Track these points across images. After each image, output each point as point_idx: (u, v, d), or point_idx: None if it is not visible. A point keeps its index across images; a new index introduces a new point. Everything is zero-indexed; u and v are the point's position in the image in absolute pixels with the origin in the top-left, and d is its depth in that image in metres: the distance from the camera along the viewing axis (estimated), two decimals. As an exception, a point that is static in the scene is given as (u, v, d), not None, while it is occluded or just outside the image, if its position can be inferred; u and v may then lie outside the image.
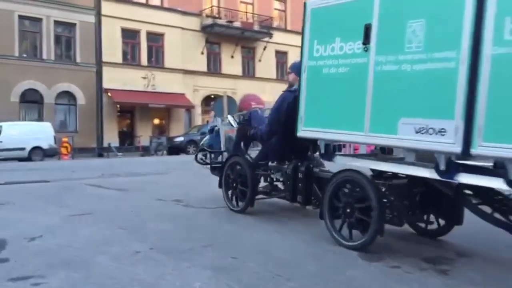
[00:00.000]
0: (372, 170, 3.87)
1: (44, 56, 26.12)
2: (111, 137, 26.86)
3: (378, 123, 3.51)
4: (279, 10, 34.71)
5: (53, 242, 3.59)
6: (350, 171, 3.75)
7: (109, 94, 26.57)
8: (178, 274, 2.88)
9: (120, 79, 26.64)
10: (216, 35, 30.78)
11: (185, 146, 25.43)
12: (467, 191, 3.54)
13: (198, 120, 30.41)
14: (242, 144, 5.41)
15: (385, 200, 3.55)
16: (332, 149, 4.16)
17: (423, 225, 4.02)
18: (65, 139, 22.83)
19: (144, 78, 27.93)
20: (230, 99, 14.61)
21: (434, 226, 3.97)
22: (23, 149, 21.46)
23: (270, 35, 32.83)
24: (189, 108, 29.97)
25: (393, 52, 3.42)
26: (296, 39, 27.76)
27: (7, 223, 4.30)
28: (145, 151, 25.67)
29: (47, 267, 2.97)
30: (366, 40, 3.57)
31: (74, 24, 26.79)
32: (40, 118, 25.69)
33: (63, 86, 26.46)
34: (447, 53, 3.10)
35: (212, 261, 3.14)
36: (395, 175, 3.74)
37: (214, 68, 31.88)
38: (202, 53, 30.89)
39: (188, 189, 6.73)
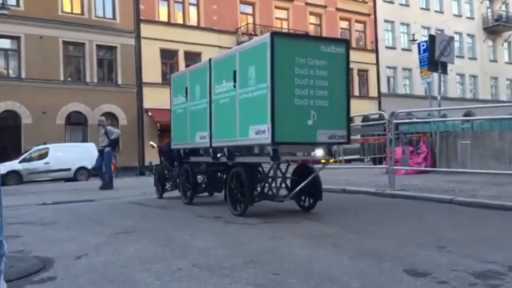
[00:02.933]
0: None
1: (88, 79, 27.06)
2: (152, 156, 27.37)
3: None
4: (314, 24, 34.71)
5: (98, 260, 3.66)
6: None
7: (149, 113, 27.19)
8: (221, 291, 2.87)
9: (160, 99, 27.17)
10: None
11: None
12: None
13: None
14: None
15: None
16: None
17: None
18: (108, 159, 23.36)
19: (183, 97, 28.30)
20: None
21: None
22: (69, 169, 22.18)
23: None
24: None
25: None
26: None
27: (54, 242, 4.42)
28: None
29: (92, 284, 3.02)
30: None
31: (115, 47, 27.68)
32: (84, 139, 26.51)
33: (106, 107, 27.27)
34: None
35: (254, 277, 3.11)
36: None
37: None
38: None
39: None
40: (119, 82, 27.79)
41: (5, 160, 22.85)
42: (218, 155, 6.67)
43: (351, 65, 26.99)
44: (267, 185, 6.16)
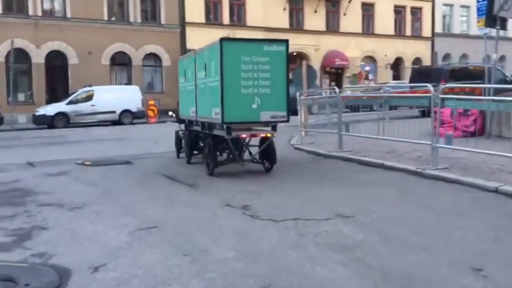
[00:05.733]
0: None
1: (131, 19, 26.84)
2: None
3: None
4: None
5: (114, 276, 3.61)
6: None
7: (192, 55, 26.91)
8: None
9: (203, 39, 26.59)
10: (299, -11, 29.71)
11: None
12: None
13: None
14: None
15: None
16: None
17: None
18: (151, 102, 23.66)
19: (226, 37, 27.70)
20: (310, 68, 14.06)
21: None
22: (113, 112, 22.62)
23: (357, -14, 31.10)
24: (289, 60, 29.64)
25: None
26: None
27: (77, 241, 4.43)
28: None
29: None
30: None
31: (158, -15, 27.09)
32: (129, 80, 26.76)
33: (149, 48, 27.21)
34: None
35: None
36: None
37: (296, 24, 31.03)
38: (284, 9, 30.11)
39: (262, 184, 6.72)
40: (162, 22, 27.45)
41: (54, 101, 23.54)
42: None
43: (403, 3, 25.67)
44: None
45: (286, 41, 7.26)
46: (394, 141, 8.82)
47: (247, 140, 8.05)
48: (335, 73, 33.62)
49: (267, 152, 7.78)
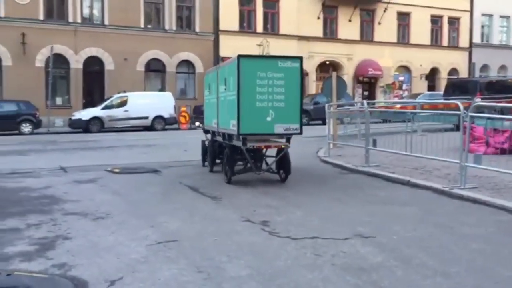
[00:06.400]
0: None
1: (167, 27, 27.32)
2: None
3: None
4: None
5: (129, 291, 3.69)
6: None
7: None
8: None
9: (236, 47, 26.95)
10: (334, -2, 29.61)
11: (297, 116, 25.24)
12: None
13: (312, 88, 29.98)
14: None
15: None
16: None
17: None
18: (183, 109, 24.00)
19: (259, 45, 27.97)
20: (339, 79, 13.98)
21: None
22: (146, 118, 23.04)
23: (392, -4, 30.78)
24: (303, 76, 29.60)
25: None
26: (421, -1, 24.99)
27: (97, 252, 4.53)
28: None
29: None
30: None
31: (194, -6, 27.50)
32: (162, 87, 27.22)
33: (183, 55, 27.61)
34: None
35: None
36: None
37: (330, 33, 30.89)
38: (318, 17, 30.04)
39: (285, 199, 6.66)
40: (197, 29, 27.83)
41: (90, 105, 24.17)
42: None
43: (441, 13, 25.24)
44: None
45: (300, 58, 7.80)
46: (419, 157, 8.65)
47: (264, 151, 8.36)
48: (368, 82, 33.27)
49: (282, 162, 8.17)
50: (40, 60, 24.68)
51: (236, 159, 8.32)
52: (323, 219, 5.81)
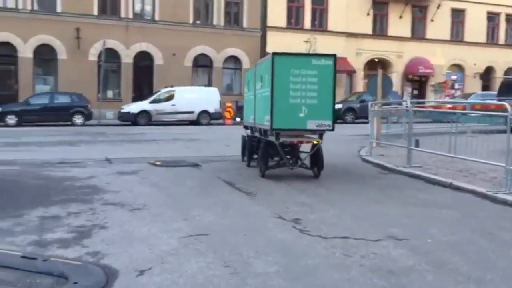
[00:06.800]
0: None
1: (215, 22, 27.61)
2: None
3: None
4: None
5: (156, 281, 3.77)
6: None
7: (271, 59, 27.13)
8: None
9: (283, 43, 26.89)
10: (385, -6, 28.97)
11: (343, 114, 24.94)
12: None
13: (360, 85, 29.48)
14: None
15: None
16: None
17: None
18: (228, 104, 24.22)
19: (307, 42, 27.81)
20: (385, 77, 13.68)
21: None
22: (192, 112, 23.41)
23: (446, -8, 29.77)
24: (351, 73, 29.16)
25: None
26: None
27: (130, 242, 4.67)
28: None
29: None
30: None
31: (242, -10, 27.65)
32: (209, 82, 27.56)
33: (230, 51, 27.83)
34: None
35: None
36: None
37: (379, 30, 30.27)
38: (368, 14, 29.49)
39: (320, 197, 6.57)
40: (244, 25, 27.96)
41: (140, 99, 24.83)
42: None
43: (498, 10, 24.14)
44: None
45: (333, 56, 7.89)
46: (464, 159, 8.34)
47: (298, 147, 8.57)
48: (418, 80, 32.38)
49: (315, 158, 8.33)
50: (93, 54, 25.55)
51: (270, 153, 8.50)
52: (357, 219, 5.73)
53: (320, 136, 7.97)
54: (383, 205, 6.49)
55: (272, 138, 8.01)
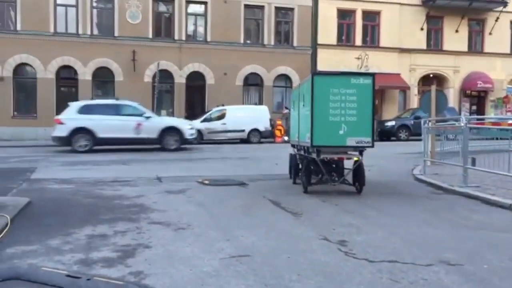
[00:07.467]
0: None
1: (265, 42, 27.85)
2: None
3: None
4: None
5: (194, 304, 3.73)
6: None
7: (322, 76, 27.00)
8: None
9: (334, 61, 26.75)
10: (439, 8, 28.25)
11: (396, 131, 24.33)
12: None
13: (414, 102, 28.70)
14: None
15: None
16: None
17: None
18: (279, 122, 24.22)
19: (358, 58, 27.50)
20: (439, 93, 13.22)
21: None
22: (243, 131, 23.55)
23: (505, 4, 28.66)
24: (404, 89, 28.48)
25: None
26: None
27: (171, 263, 4.65)
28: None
29: None
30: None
31: (292, 9, 27.83)
32: (259, 100, 27.72)
33: (280, 69, 27.93)
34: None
35: None
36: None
37: (434, 44, 29.49)
38: (422, 29, 28.84)
39: (368, 218, 6.38)
40: (295, 44, 28.03)
41: (192, 118, 25.27)
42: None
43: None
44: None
45: (372, 75, 8.24)
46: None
47: (341, 164, 8.89)
48: (477, 96, 31.13)
49: (357, 174, 8.51)
50: (148, 75, 26.35)
51: (312, 170, 8.80)
52: (406, 242, 5.47)
53: (360, 153, 8.23)
54: (435, 228, 6.18)
55: (314, 155, 8.29)
